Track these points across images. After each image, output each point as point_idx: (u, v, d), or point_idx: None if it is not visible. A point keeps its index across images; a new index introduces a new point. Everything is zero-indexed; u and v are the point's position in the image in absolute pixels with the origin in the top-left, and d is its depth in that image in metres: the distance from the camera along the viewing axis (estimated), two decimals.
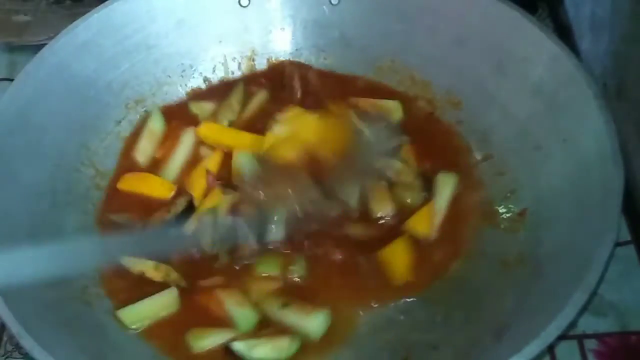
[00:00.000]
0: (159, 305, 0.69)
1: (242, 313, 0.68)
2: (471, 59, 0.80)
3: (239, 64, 0.88)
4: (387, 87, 0.86)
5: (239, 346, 0.65)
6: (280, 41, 0.88)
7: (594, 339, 0.69)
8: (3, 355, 0.71)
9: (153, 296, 0.69)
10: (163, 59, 0.84)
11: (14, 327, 0.58)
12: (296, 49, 0.89)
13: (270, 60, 0.89)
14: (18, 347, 0.72)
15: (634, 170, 0.73)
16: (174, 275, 0.70)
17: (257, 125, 0.81)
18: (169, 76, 0.85)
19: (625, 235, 0.74)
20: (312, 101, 0.83)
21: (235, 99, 0.85)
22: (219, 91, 0.87)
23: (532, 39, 0.74)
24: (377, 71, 0.86)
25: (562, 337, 0.58)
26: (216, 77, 0.87)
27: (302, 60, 0.88)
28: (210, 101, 0.85)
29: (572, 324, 0.57)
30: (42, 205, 0.72)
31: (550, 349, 0.68)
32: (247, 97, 0.85)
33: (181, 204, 0.75)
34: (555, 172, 0.70)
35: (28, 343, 0.57)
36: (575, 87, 0.70)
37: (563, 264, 0.63)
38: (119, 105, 0.82)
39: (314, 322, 0.67)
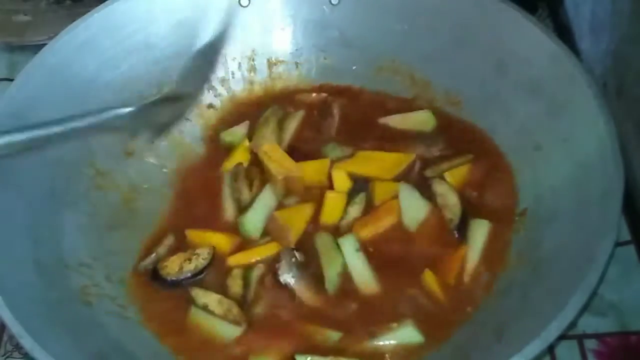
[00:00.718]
0: (220, 330, 0.68)
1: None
2: (471, 58, 0.80)
3: (239, 64, 0.88)
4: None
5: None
6: (280, 41, 0.88)
7: (594, 339, 0.69)
8: (3, 355, 0.71)
9: (223, 322, 0.68)
10: (163, 59, 0.84)
11: (14, 327, 0.58)
12: (296, 49, 0.88)
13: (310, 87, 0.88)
14: (18, 347, 0.72)
15: (634, 170, 0.73)
16: (235, 311, 0.69)
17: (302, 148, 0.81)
18: (169, 76, 0.85)
19: (625, 235, 0.74)
20: (346, 131, 0.83)
21: (273, 120, 0.83)
22: (247, 114, 0.86)
23: (532, 39, 0.74)
24: (377, 71, 0.86)
25: (562, 337, 0.58)
26: (216, 76, 0.87)
27: (301, 60, 0.88)
28: (239, 125, 0.85)
29: (572, 324, 0.57)
30: (42, 205, 0.72)
31: (550, 349, 0.68)
32: (282, 120, 0.84)
33: (204, 256, 0.73)
34: (555, 172, 0.70)
35: (28, 343, 0.57)
36: (575, 87, 0.70)
37: (563, 264, 0.63)
38: (119, 105, 0.82)
39: (408, 330, 0.66)
